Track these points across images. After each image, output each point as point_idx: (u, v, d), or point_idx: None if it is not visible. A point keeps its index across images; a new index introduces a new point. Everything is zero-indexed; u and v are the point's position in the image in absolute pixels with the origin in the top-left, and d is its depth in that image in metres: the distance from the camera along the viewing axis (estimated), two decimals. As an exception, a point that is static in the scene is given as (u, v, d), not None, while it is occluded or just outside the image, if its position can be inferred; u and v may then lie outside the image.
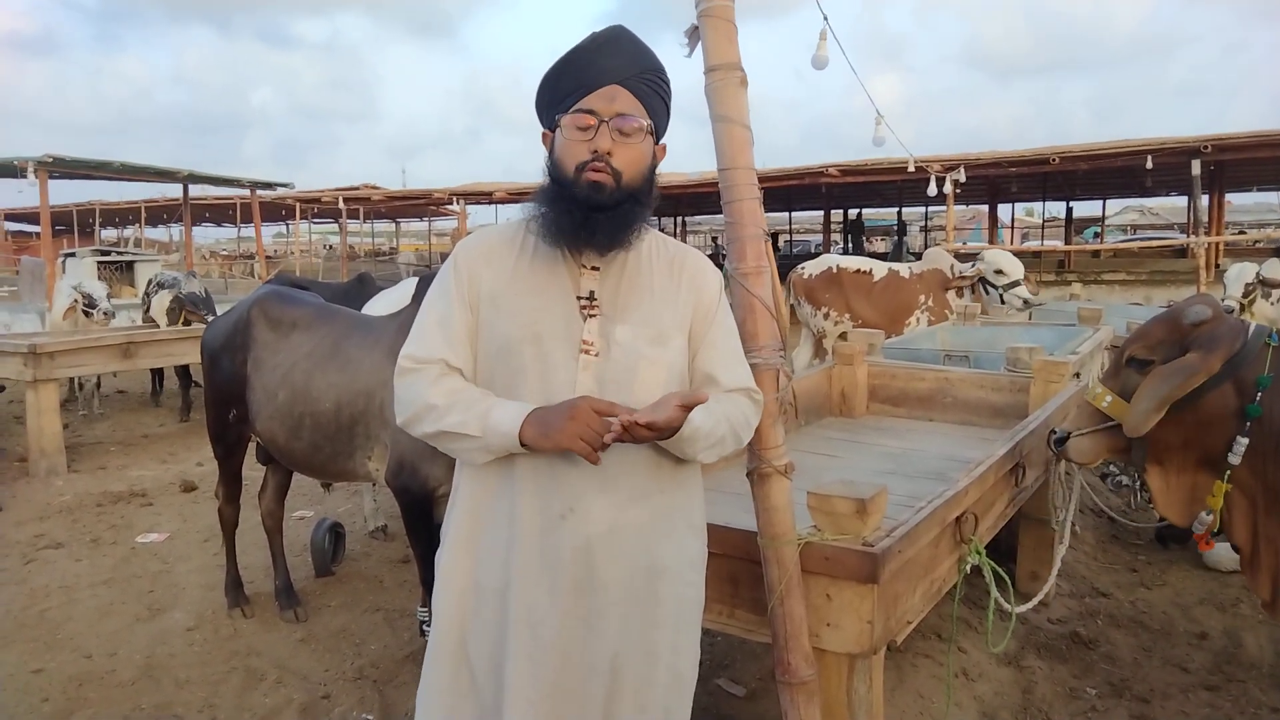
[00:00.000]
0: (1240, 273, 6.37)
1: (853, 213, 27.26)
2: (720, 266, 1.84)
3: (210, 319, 6.61)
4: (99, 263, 12.71)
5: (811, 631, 1.98)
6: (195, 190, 18.35)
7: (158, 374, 8.70)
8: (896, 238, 25.50)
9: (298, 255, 28.58)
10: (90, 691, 3.12)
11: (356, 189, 23.70)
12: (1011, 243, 28.42)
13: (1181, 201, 28.61)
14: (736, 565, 2.12)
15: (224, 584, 3.80)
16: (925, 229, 30.51)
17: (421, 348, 1.61)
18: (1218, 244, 16.45)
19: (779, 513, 1.94)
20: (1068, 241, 25.71)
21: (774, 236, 27.03)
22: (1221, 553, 3.81)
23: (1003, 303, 6.69)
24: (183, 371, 7.96)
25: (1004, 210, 28.99)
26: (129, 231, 34.84)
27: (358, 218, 33.20)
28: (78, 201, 29.26)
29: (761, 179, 1.99)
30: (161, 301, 7.72)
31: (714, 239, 33.29)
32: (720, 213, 2.03)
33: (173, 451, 6.76)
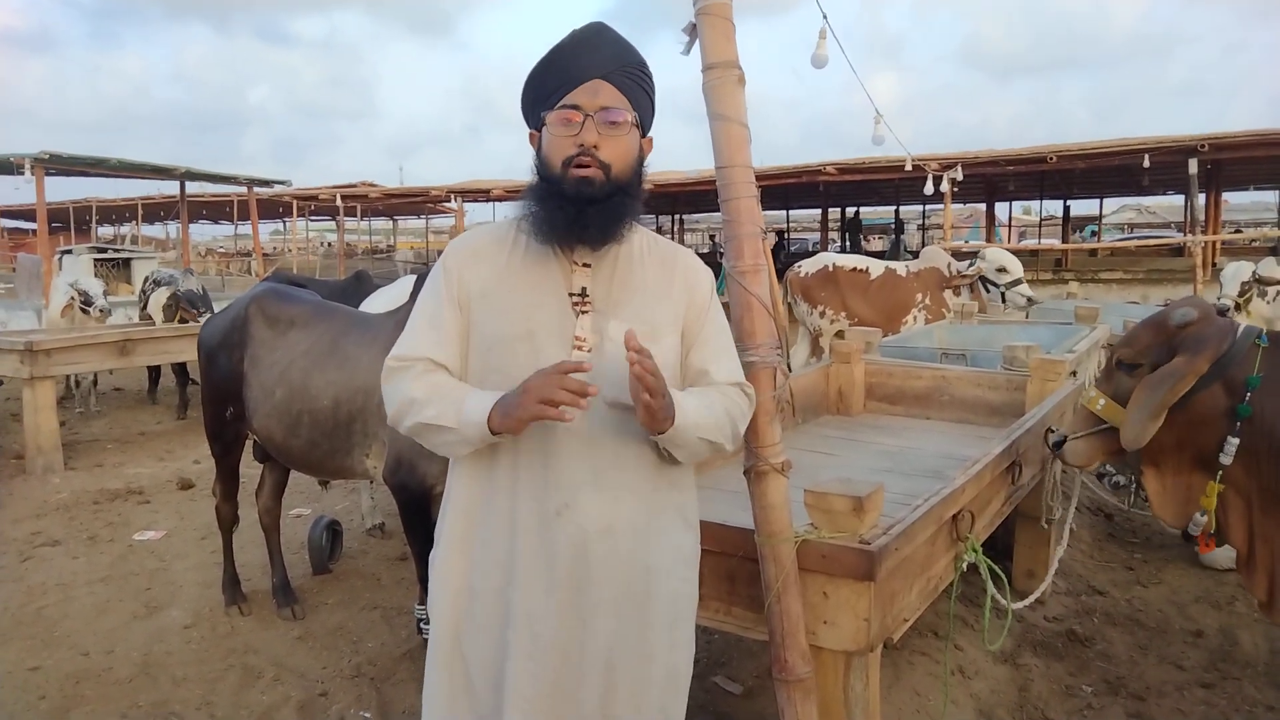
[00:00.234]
0: (1237, 271, 6.37)
1: (850, 211, 27.28)
2: (718, 264, 1.84)
3: (207, 316, 6.60)
4: (96, 260, 12.69)
5: (808, 629, 1.98)
6: (192, 187, 18.29)
7: (155, 371, 8.69)
8: (894, 236, 25.54)
9: (295, 253, 28.56)
10: (87, 689, 3.12)
11: (354, 186, 23.66)
12: (1009, 241, 28.45)
13: (1179, 200, 28.68)
14: (734, 563, 2.12)
15: (221, 582, 3.80)
16: (923, 227, 30.56)
17: (408, 347, 1.63)
18: (1214, 242, 16.48)
19: (776, 510, 1.94)
20: (1065, 240, 25.75)
21: (780, 234, 27.11)
22: (1217, 550, 3.82)
23: (1004, 301, 6.70)
24: (180, 369, 7.96)
25: (1001, 209, 29.01)
26: (125, 229, 34.79)
27: (355, 215, 33.19)
28: (74, 198, 29.22)
29: (759, 177, 1.99)
30: (159, 299, 7.71)
31: (711, 237, 33.29)
32: (718, 211, 2.03)
33: (170, 449, 6.76)
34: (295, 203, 23.87)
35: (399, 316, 3.12)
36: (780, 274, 3.75)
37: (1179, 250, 18.67)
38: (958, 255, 7.82)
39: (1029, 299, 6.66)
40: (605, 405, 1.57)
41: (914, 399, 4.17)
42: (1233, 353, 2.17)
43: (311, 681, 3.16)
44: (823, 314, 7.37)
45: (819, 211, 26.84)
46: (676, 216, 28.95)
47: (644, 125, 1.65)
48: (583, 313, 1.60)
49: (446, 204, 23.44)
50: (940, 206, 16.56)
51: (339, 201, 22.10)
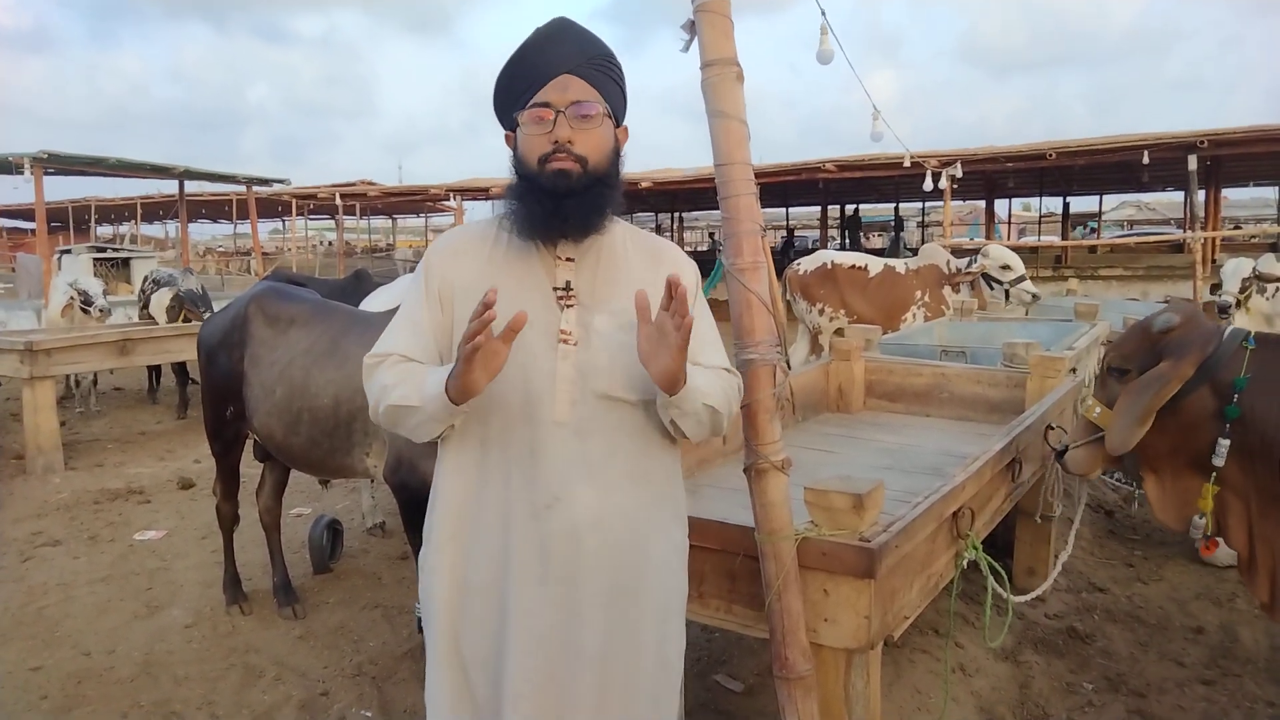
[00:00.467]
0: (1236, 268, 6.36)
1: (850, 208, 27.25)
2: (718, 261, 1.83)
3: (207, 315, 6.60)
4: (95, 259, 12.69)
5: (809, 627, 1.98)
6: (191, 186, 18.27)
7: (155, 371, 8.69)
8: (893, 233, 25.51)
9: (294, 252, 28.52)
10: (89, 689, 3.12)
11: (353, 185, 23.63)
12: (1009, 238, 28.43)
13: (1178, 197, 28.65)
14: (734, 561, 2.12)
15: (222, 581, 3.80)
16: (922, 224, 30.52)
17: (383, 345, 1.66)
18: (1214, 239, 16.45)
19: (776, 508, 1.94)
20: (1064, 237, 25.73)
21: (790, 232, 27.07)
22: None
23: (1008, 298, 6.69)
24: (180, 369, 7.96)
25: (1001, 205, 28.99)
26: (125, 228, 34.75)
27: (354, 214, 33.14)
28: (73, 198, 29.20)
29: (758, 174, 1.99)
30: (161, 299, 7.70)
31: (711, 234, 33.26)
32: (717, 208, 2.03)
33: (170, 449, 6.76)
34: (294, 202, 23.83)
35: (398, 315, 3.12)
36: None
37: (1179, 247, 18.65)
38: (957, 252, 7.81)
39: (1034, 295, 6.66)
40: (594, 397, 1.58)
41: (914, 396, 4.17)
42: (1219, 355, 2.17)
43: (313, 681, 3.17)
44: (822, 311, 7.36)
45: (818, 209, 26.81)
46: (676, 214, 28.92)
47: (617, 116, 1.65)
48: (567, 307, 1.61)
49: (446, 202, 23.42)
50: (940, 203, 16.55)
51: (338, 200, 22.06)
